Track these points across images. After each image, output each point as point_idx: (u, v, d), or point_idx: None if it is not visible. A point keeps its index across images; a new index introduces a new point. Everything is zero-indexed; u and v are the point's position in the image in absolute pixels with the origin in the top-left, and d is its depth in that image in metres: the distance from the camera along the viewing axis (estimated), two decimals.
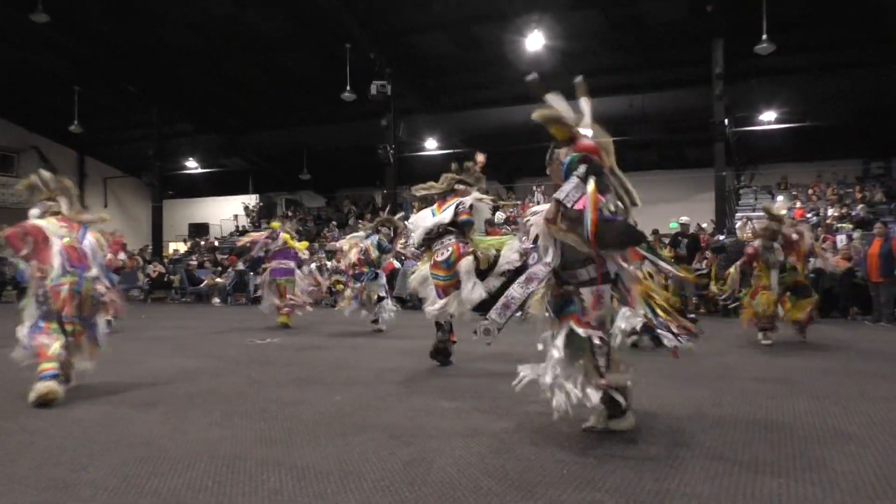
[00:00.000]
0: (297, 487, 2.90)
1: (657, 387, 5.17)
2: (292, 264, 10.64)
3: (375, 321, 9.64)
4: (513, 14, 16.45)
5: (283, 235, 10.78)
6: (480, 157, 6.28)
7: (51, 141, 25.46)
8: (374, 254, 9.52)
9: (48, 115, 23.68)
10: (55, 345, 4.78)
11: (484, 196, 6.28)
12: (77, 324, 4.97)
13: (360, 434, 3.78)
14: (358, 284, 9.52)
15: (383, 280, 9.82)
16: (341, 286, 9.72)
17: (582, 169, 3.55)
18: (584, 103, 3.88)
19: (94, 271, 5.11)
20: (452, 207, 6.05)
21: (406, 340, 8.52)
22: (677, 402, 4.64)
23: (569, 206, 3.46)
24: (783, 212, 8.63)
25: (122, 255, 8.68)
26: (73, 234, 5.10)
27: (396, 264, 11.67)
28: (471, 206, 6.06)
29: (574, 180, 3.50)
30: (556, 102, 3.83)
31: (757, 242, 8.23)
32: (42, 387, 4.61)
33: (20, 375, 4.99)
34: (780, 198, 18.61)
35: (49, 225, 5.01)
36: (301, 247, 11.09)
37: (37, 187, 5.24)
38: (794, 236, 8.04)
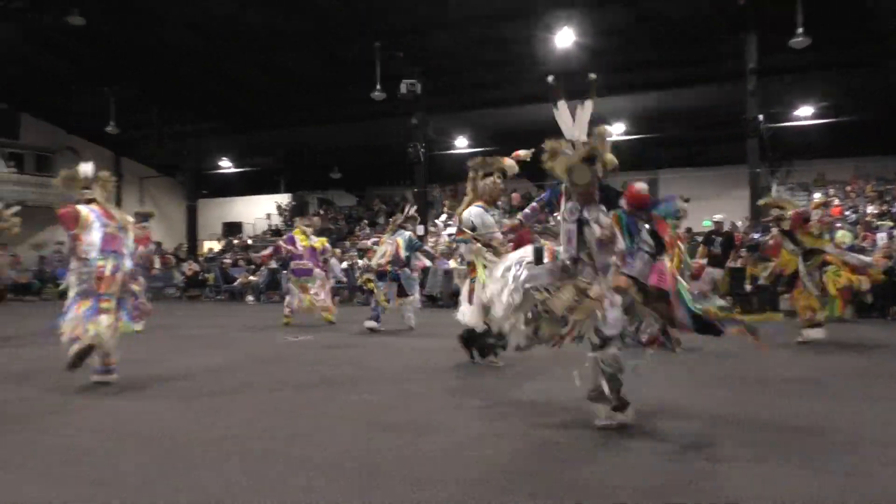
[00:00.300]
0: (327, 484, 2.94)
1: (686, 387, 5.12)
2: (310, 264, 10.68)
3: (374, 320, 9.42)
4: (542, 11, 16.36)
5: (294, 232, 10.88)
6: (523, 153, 6.21)
7: (87, 141, 25.96)
8: (403, 252, 9.50)
9: (84, 116, 24.16)
10: (102, 322, 5.14)
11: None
12: (113, 302, 5.26)
13: (387, 431, 3.81)
14: (382, 285, 9.46)
15: (413, 278, 9.79)
16: (372, 284, 9.72)
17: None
18: (587, 107, 3.95)
19: (129, 263, 5.51)
20: None
21: (435, 339, 8.54)
22: (702, 402, 4.58)
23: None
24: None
25: (151, 246, 8.98)
26: (111, 223, 5.39)
27: (427, 262, 11.68)
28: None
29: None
30: (563, 112, 4.01)
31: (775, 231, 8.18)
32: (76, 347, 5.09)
33: (55, 372, 5.13)
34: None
35: (91, 212, 5.34)
36: (305, 242, 10.91)
37: (74, 178, 5.49)
38: (771, 242, 7.99)
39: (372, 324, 9.39)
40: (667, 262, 3.71)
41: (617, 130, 20.54)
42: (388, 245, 9.59)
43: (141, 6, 17.65)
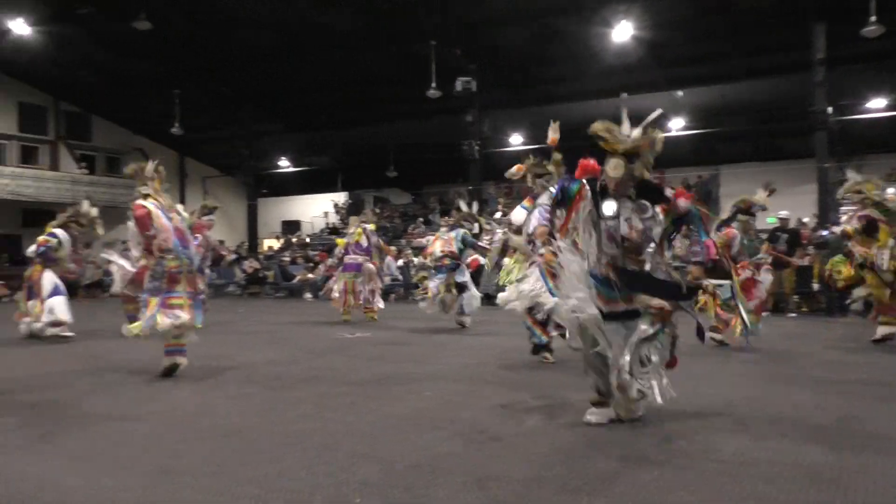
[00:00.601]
0: (386, 480, 2.94)
1: (755, 388, 4.96)
2: (359, 258, 10.76)
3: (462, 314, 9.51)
4: (599, 5, 16.11)
5: (357, 230, 10.97)
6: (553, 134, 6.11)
7: (154, 143, 26.86)
8: (457, 247, 9.49)
9: (151, 117, 24.98)
10: (182, 317, 5.40)
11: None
12: (187, 299, 5.49)
13: (446, 429, 3.80)
14: (438, 278, 9.38)
15: (466, 273, 9.76)
16: (427, 281, 9.75)
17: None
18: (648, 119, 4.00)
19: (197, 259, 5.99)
20: None
21: (490, 337, 8.52)
22: (779, 404, 4.42)
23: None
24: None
25: (207, 233, 9.32)
26: (174, 215, 5.66)
27: (482, 260, 11.64)
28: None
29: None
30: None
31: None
32: (167, 361, 5.45)
33: (115, 365, 5.31)
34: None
35: (157, 208, 5.55)
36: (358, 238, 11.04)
37: (137, 173, 5.77)
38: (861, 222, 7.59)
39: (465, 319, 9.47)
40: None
41: (676, 126, 20.10)
42: (443, 240, 9.62)
43: (203, 11, 18.18)
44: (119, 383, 5.32)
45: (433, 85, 18.71)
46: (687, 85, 18.36)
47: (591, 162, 4.11)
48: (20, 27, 18.00)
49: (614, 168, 3.80)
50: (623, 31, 16.42)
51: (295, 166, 27.63)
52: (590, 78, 19.02)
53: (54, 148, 24.95)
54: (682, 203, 3.81)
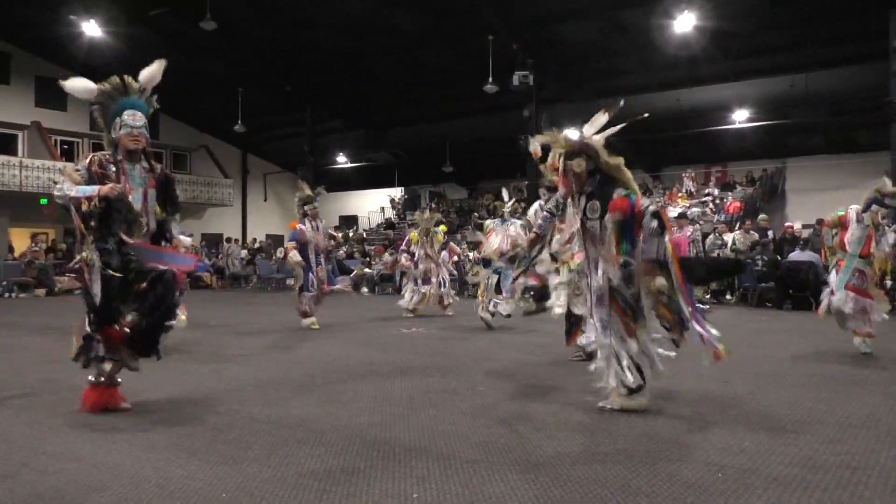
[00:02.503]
0: (444, 475, 2.97)
1: (825, 390, 4.80)
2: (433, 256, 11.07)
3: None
4: None
5: (411, 234, 11.40)
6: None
7: (219, 140, 27.61)
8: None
9: (216, 116, 25.69)
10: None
11: None
12: None
13: (503, 426, 3.81)
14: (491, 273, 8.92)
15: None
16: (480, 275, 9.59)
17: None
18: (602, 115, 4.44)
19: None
20: None
21: (541, 335, 8.44)
22: (849, 409, 4.26)
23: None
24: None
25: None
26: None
27: None
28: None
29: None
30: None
31: None
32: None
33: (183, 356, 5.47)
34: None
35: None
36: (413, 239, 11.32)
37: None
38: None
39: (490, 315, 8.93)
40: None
41: (740, 118, 19.50)
42: (500, 234, 8.96)
43: (267, 11, 18.59)
44: (185, 372, 5.50)
45: (490, 80, 18.66)
46: (753, 76, 17.79)
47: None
48: (93, 29, 18.73)
49: (577, 165, 4.22)
50: (685, 22, 16.01)
51: (352, 162, 27.98)
52: (649, 71, 18.65)
53: None
54: (612, 215, 4.04)
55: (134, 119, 4.17)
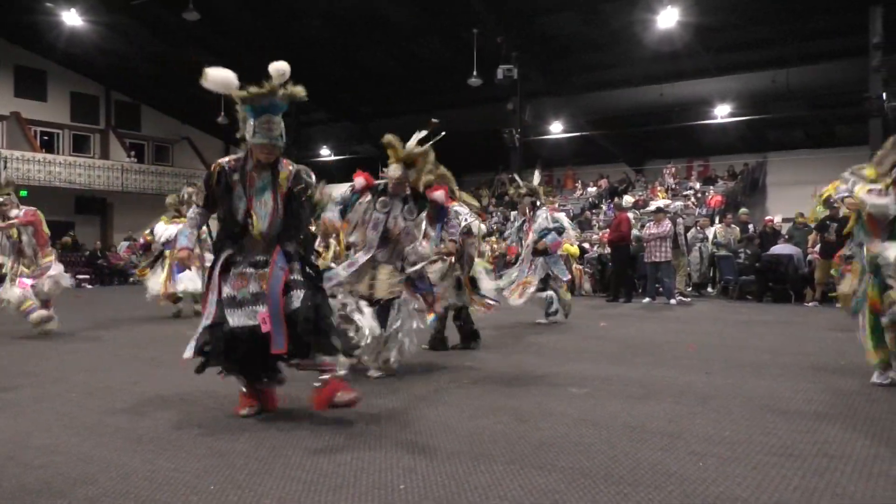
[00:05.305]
0: (430, 466, 3.00)
1: (803, 381, 4.88)
2: None
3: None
4: None
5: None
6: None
7: (201, 132, 27.37)
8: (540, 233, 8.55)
9: (198, 107, 25.44)
10: None
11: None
12: None
13: (489, 417, 3.85)
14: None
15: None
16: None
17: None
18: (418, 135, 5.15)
19: None
20: None
21: (524, 329, 8.51)
22: (826, 399, 4.35)
23: None
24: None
25: None
26: None
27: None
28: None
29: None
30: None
31: None
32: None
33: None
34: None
35: None
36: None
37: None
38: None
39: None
40: None
41: (722, 112, 19.67)
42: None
43: (248, 1, 18.43)
44: (172, 366, 5.49)
45: (475, 73, 18.67)
46: (734, 71, 17.94)
47: (367, 175, 5.35)
48: (73, 18, 18.49)
49: (393, 171, 4.96)
50: (669, 17, 16.13)
51: (336, 154, 27.89)
52: (633, 65, 18.76)
53: (105, 137, 25.64)
54: (437, 194, 5.12)
55: (270, 128, 3.80)
